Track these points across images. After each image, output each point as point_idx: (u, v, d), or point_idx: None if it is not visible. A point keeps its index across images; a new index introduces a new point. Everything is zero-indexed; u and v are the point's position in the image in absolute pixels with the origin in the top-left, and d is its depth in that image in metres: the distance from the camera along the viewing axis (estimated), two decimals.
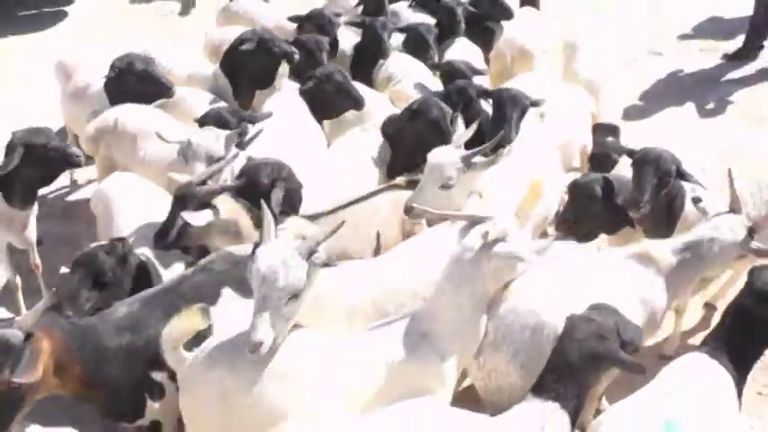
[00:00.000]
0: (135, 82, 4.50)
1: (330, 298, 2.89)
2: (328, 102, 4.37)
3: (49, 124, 6.05)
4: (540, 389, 2.43)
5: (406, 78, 4.83)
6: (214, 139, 3.72)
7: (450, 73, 4.76)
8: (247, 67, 4.67)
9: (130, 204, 3.67)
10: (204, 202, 3.25)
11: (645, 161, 3.40)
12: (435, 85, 4.80)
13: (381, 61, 5.11)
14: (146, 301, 2.89)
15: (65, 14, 8.91)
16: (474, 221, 2.71)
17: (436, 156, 3.35)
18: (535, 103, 4.12)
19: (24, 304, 4.22)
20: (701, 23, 7.79)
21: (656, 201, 3.41)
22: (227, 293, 2.88)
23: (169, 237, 3.27)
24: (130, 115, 4.29)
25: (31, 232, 4.06)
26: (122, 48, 4.90)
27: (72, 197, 5.42)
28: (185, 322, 2.54)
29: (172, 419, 2.88)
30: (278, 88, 4.74)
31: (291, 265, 2.44)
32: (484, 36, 5.72)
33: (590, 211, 3.56)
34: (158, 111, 4.42)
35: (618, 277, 2.86)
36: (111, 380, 2.75)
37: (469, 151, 3.34)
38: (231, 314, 2.79)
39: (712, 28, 7.66)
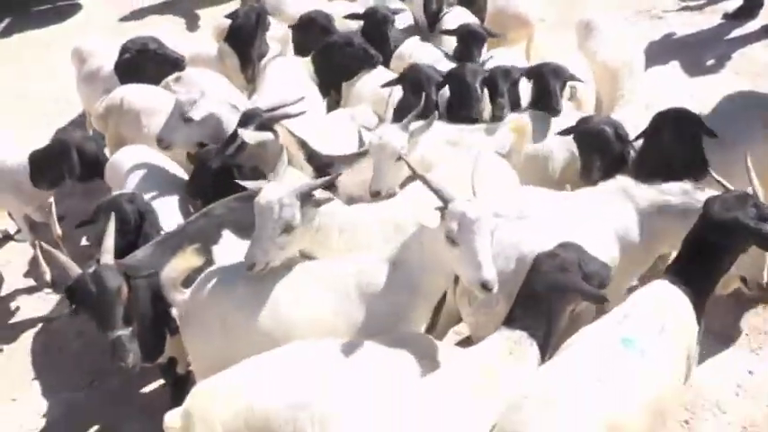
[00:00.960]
0: (149, 61, 4.81)
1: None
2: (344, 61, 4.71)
3: (69, 111, 6.56)
4: (510, 320, 2.64)
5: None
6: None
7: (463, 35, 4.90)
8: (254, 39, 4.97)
9: (140, 172, 3.95)
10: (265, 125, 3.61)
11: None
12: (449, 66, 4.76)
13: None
14: (158, 244, 3.24)
15: (80, 7, 9.19)
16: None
17: (383, 137, 3.55)
18: (572, 77, 4.22)
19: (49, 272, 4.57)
20: None
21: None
22: (227, 234, 3.25)
23: (228, 150, 3.59)
24: (136, 94, 4.60)
25: (51, 207, 4.39)
26: (131, 34, 5.23)
27: None
28: (182, 262, 2.87)
29: (185, 354, 3.18)
30: (283, 54, 5.07)
31: (286, 202, 2.82)
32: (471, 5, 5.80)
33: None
34: (161, 90, 4.65)
35: (595, 209, 3.09)
36: (141, 316, 3.07)
37: (405, 121, 3.59)
38: (231, 251, 3.14)
39: None
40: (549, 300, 2.62)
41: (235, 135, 3.58)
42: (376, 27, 5.13)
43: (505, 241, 2.96)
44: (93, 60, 5.16)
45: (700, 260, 2.76)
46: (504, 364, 2.53)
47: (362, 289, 2.87)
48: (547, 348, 2.62)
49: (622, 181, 3.28)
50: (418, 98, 3.96)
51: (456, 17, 5.37)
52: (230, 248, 3.17)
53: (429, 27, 5.44)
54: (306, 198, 2.89)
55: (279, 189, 2.90)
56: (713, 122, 3.60)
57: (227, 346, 2.80)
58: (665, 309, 2.62)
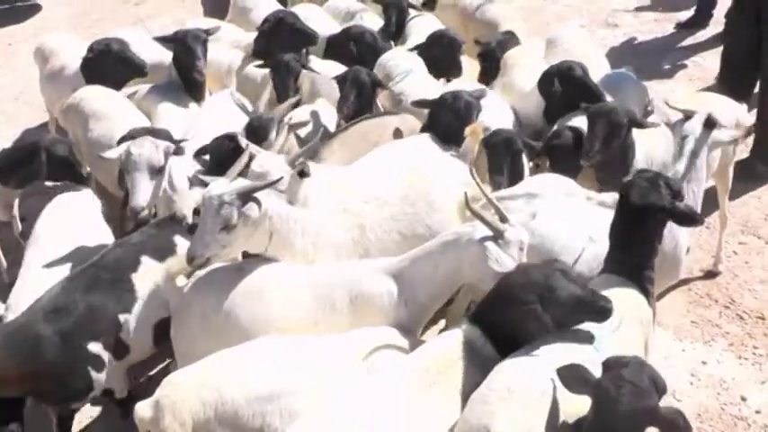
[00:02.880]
0: (111, 63, 4.71)
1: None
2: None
3: (30, 110, 6.47)
4: (473, 314, 2.68)
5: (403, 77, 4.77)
6: (153, 148, 3.50)
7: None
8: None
9: None
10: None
11: (598, 114, 3.63)
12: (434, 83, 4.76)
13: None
14: (67, 282, 3.08)
15: (39, 8, 9.07)
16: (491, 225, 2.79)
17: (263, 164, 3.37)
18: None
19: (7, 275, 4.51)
20: None
21: (608, 151, 3.61)
22: (146, 260, 3.15)
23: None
24: (92, 96, 4.52)
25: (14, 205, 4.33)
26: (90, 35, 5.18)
27: None
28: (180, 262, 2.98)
29: (120, 386, 3.16)
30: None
31: (226, 200, 2.82)
32: None
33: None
34: (121, 97, 4.62)
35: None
36: (53, 366, 2.91)
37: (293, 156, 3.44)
38: (152, 278, 3.12)
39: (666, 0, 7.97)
40: (507, 313, 2.58)
41: None
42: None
43: None
44: (56, 59, 5.09)
45: (631, 249, 2.85)
46: (458, 358, 2.55)
47: (353, 300, 2.87)
48: (507, 346, 2.58)
49: None
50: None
51: (424, 24, 5.44)
52: (151, 275, 3.11)
53: (391, 38, 5.47)
54: (247, 199, 2.86)
55: (223, 186, 2.88)
56: None
57: (208, 346, 2.79)
58: (620, 306, 2.61)
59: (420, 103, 4.04)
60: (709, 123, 3.31)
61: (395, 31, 5.51)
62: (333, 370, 2.58)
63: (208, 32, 4.73)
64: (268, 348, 2.65)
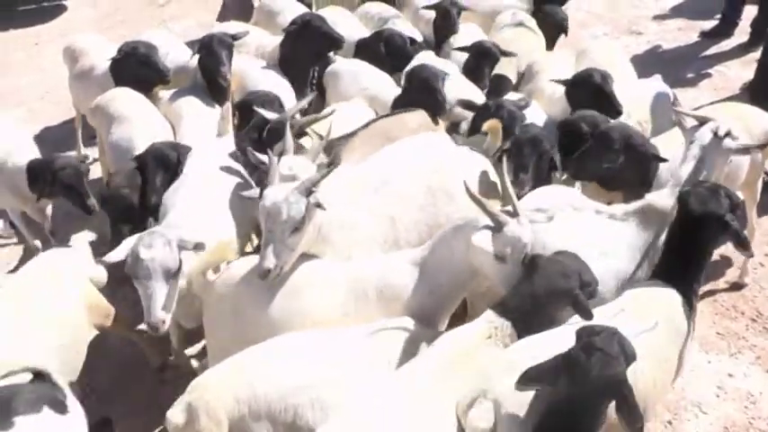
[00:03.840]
0: (135, 65, 4.76)
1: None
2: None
3: (56, 109, 6.55)
4: (500, 308, 2.69)
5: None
6: (166, 249, 2.95)
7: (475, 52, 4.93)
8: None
9: None
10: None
11: (521, 142, 3.60)
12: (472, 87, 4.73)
13: None
14: None
15: (65, 8, 9.18)
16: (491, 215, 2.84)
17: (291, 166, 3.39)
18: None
19: None
20: (679, 4, 8.05)
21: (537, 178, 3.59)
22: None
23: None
24: (118, 98, 4.57)
25: (46, 206, 4.42)
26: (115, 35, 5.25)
27: None
28: (216, 253, 3.01)
29: None
30: None
31: (292, 200, 2.85)
32: None
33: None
34: (146, 101, 4.64)
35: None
36: None
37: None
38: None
39: (691, 7, 7.91)
40: (545, 302, 2.67)
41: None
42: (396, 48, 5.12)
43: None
44: (86, 59, 5.14)
45: (684, 257, 2.85)
46: (482, 347, 2.59)
47: (382, 291, 2.91)
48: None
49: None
50: None
51: (466, 34, 5.42)
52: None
53: (436, 45, 5.47)
54: (308, 194, 2.92)
55: (282, 189, 2.90)
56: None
57: (238, 338, 2.84)
58: (659, 307, 2.69)
59: (465, 104, 4.10)
60: (719, 132, 3.30)
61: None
62: (357, 362, 2.61)
63: (234, 37, 4.77)
64: (295, 343, 2.68)
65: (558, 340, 2.47)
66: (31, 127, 6.37)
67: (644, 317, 2.59)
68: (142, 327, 3.21)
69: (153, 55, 4.80)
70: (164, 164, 3.85)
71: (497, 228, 2.79)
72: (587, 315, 2.61)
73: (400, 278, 2.93)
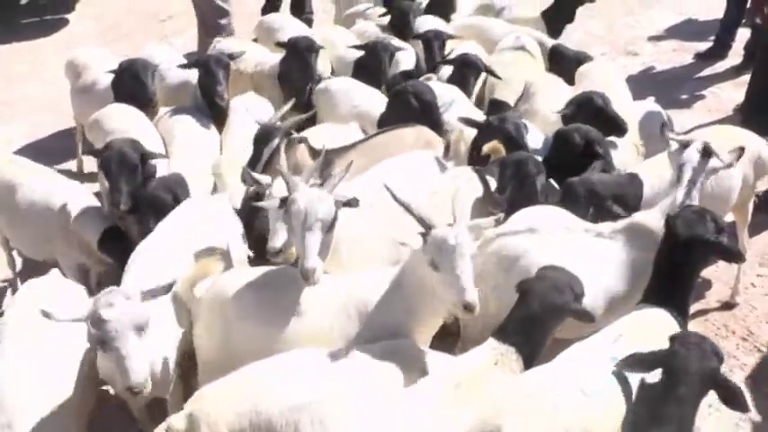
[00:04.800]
0: (129, 82, 4.84)
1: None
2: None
3: (58, 121, 6.60)
4: (501, 334, 2.74)
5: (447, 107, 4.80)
6: (128, 306, 2.68)
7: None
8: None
9: None
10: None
11: (505, 164, 3.65)
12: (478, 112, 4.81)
13: None
14: None
15: (66, 22, 9.27)
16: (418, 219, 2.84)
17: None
18: None
19: None
20: (675, 25, 8.16)
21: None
22: None
23: (257, 167, 3.65)
24: (113, 114, 4.63)
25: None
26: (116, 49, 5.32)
27: None
28: (203, 268, 3.06)
29: None
30: None
31: (324, 199, 2.91)
32: None
33: None
34: (141, 117, 4.70)
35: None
36: None
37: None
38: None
39: (686, 29, 8.02)
40: (543, 319, 2.73)
41: (259, 154, 3.69)
42: (375, 58, 5.21)
43: (507, 249, 3.12)
44: (88, 74, 5.23)
45: (672, 279, 2.92)
46: (489, 374, 2.63)
47: (358, 307, 2.93)
48: (531, 362, 2.72)
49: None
50: None
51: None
52: None
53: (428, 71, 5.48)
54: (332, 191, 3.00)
55: (309, 190, 2.95)
56: None
57: (226, 349, 2.88)
58: (655, 330, 2.72)
59: (467, 121, 4.14)
60: (706, 152, 3.39)
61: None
62: (360, 381, 2.64)
63: (231, 56, 4.85)
64: (298, 360, 2.71)
65: (568, 371, 2.56)
66: (34, 139, 6.45)
67: (642, 341, 2.65)
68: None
69: (144, 73, 4.84)
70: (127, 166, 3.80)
71: (426, 233, 2.78)
72: (589, 318, 2.72)
73: (375, 296, 2.93)
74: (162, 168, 4.16)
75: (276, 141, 3.68)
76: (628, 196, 3.65)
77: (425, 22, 5.89)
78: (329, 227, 2.91)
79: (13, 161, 4.31)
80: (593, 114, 4.14)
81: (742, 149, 3.56)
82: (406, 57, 5.47)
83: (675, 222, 2.92)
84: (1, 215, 4.15)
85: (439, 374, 2.66)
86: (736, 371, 3.89)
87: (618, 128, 4.07)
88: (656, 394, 2.43)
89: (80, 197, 4.04)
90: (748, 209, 4.20)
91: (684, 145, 3.48)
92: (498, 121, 4.01)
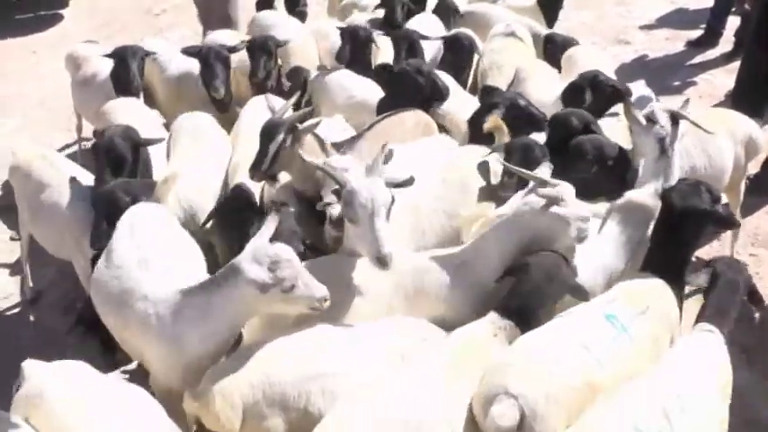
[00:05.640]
0: (117, 69, 4.86)
1: None
2: None
3: (55, 116, 6.64)
4: (503, 309, 2.79)
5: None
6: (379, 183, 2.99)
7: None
8: None
9: None
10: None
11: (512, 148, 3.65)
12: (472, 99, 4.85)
13: None
14: None
15: (60, 17, 9.30)
16: (541, 182, 3.04)
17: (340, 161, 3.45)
18: None
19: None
20: (666, 14, 8.26)
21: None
22: None
23: (264, 165, 3.53)
24: (115, 107, 4.62)
25: None
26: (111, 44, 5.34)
27: None
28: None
29: None
30: None
31: (380, 185, 2.94)
32: None
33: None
34: (144, 111, 4.72)
35: None
36: None
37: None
38: None
39: (677, 18, 8.12)
40: (546, 295, 2.79)
41: (265, 150, 3.59)
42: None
43: None
44: (88, 66, 5.25)
45: (670, 250, 3.00)
46: (488, 346, 2.68)
47: (419, 289, 3.02)
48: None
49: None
50: None
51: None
52: None
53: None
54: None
55: (364, 179, 2.94)
56: None
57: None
58: (648, 295, 2.83)
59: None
60: (675, 119, 3.51)
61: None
62: (370, 354, 2.71)
63: (231, 50, 4.86)
64: (311, 334, 2.77)
65: (567, 328, 2.64)
66: (30, 134, 6.48)
67: (635, 305, 2.73)
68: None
69: (130, 58, 4.83)
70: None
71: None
72: (585, 296, 2.78)
73: (439, 275, 3.01)
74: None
75: (281, 136, 3.61)
76: (625, 163, 3.70)
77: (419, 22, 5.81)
78: (389, 209, 2.93)
79: (46, 158, 4.18)
80: (603, 92, 4.22)
81: (687, 101, 3.70)
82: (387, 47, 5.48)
83: (671, 195, 2.99)
84: (26, 211, 4.14)
85: (444, 345, 2.72)
86: (731, 349, 3.96)
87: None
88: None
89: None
90: (740, 189, 4.29)
91: (650, 119, 3.54)
92: (497, 95, 4.13)
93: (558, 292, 2.85)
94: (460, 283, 3.02)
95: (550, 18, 6.27)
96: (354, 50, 5.17)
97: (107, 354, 3.36)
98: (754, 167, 5.11)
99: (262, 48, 4.91)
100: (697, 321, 2.87)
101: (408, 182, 3.06)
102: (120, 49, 4.92)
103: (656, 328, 2.78)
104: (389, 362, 2.69)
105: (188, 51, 4.90)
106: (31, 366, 2.55)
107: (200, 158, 4.08)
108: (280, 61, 5.15)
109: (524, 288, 2.83)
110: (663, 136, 3.48)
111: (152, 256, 3.05)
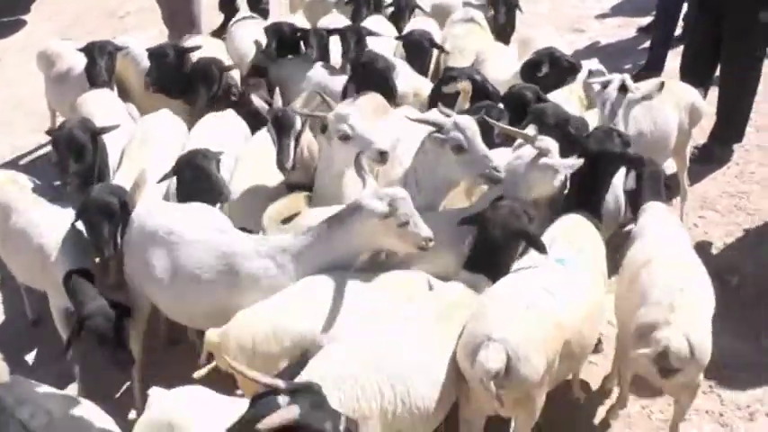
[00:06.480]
0: (88, 62, 5.01)
1: None
2: None
3: (29, 119, 6.69)
4: (469, 263, 3.06)
5: None
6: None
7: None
8: None
9: None
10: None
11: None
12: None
13: None
14: None
15: (24, 23, 9.30)
16: (530, 138, 3.37)
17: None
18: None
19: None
20: (619, 3, 8.60)
21: None
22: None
23: (288, 159, 3.76)
24: (87, 99, 4.80)
25: None
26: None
27: None
28: (288, 203, 3.44)
29: None
30: None
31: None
32: None
33: None
34: (115, 103, 4.85)
35: None
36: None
37: None
38: None
39: (628, 7, 8.45)
40: (505, 246, 3.04)
41: (285, 143, 3.79)
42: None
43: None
44: (62, 62, 5.37)
45: (587, 189, 3.37)
46: (466, 300, 2.93)
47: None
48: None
49: None
50: None
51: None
52: None
53: None
54: None
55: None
56: None
57: None
58: (578, 234, 3.20)
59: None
60: (623, 88, 3.86)
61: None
62: (362, 303, 2.97)
63: (187, 50, 4.94)
64: (311, 287, 3.01)
65: (527, 276, 2.93)
66: (6, 138, 6.54)
67: (571, 241, 3.12)
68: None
69: (98, 53, 4.97)
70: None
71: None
72: (542, 249, 2.98)
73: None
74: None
75: (299, 126, 3.82)
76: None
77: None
78: None
79: (15, 181, 3.98)
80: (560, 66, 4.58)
81: (662, 84, 4.00)
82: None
83: (588, 140, 3.36)
84: None
85: (421, 303, 2.95)
86: None
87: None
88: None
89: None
90: (686, 153, 4.61)
91: (604, 85, 3.92)
92: (457, 71, 4.45)
93: (516, 243, 3.08)
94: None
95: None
96: (281, 47, 5.31)
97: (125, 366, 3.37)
98: (702, 138, 5.46)
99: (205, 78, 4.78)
100: (636, 209, 3.46)
101: None
102: (90, 44, 5.07)
103: (593, 263, 3.11)
104: (379, 313, 2.96)
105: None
106: (155, 394, 2.66)
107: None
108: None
109: (484, 241, 3.04)
110: (604, 99, 3.83)
111: (215, 224, 3.37)
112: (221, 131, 4.39)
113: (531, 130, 3.51)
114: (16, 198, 3.84)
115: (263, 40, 5.41)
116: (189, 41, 5.49)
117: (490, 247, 3.05)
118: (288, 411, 2.00)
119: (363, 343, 2.71)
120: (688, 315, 2.81)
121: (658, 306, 2.84)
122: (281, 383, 2.12)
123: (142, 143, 4.30)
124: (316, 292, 2.98)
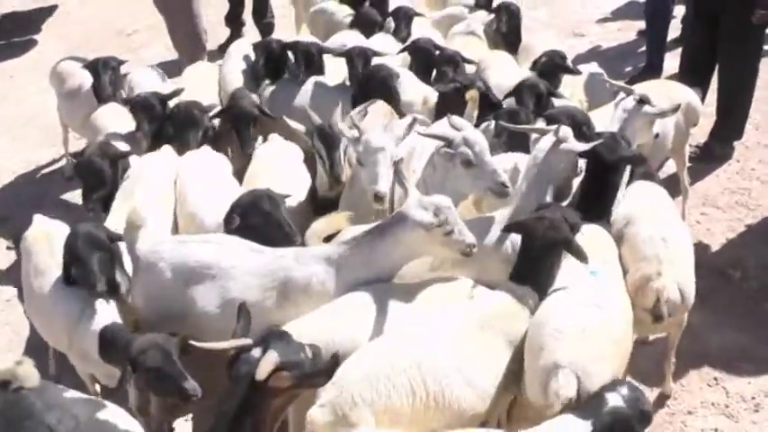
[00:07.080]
0: (93, 79, 5.21)
1: None
2: None
3: (39, 135, 6.84)
4: (516, 276, 3.05)
5: None
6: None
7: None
8: None
9: None
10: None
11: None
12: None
13: None
14: None
15: (35, 42, 9.49)
16: (542, 131, 3.53)
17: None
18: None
19: None
20: (619, 7, 8.70)
21: None
22: None
23: (342, 173, 3.87)
24: (101, 113, 5.01)
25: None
26: None
27: None
28: (330, 221, 3.42)
29: None
30: None
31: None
32: None
33: None
34: (125, 117, 4.88)
35: None
36: None
37: None
38: None
39: (629, 11, 8.54)
40: (547, 258, 3.01)
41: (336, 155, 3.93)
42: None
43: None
44: (73, 80, 5.53)
45: (598, 196, 3.46)
46: (512, 312, 2.95)
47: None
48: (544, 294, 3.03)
49: None
50: None
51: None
52: None
53: None
54: None
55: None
56: None
57: None
58: (599, 244, 3.22)
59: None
60: (642, 101, 3.93)
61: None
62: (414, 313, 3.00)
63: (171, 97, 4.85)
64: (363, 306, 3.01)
65: (576, 293, 2.93)
66: (19, 153, 6.69)
67: (597, 253, 3.13)
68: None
69: (101, 70, 5.16)
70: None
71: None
72: (584, 258, 2.94)
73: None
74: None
75: (345, 143, 3.86)
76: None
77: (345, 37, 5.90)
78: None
79: (49, 237, 3.63)
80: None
81: (679, 105, 4.04)
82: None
83: (600, 150, 3.41)
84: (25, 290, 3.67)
85: (463, 312, 2.95)
86: None
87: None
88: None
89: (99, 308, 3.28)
90: (684, 152, 4.70)
91: (627, 93, 4.00)
92: (461, 77, 4.58)
93: (559, 254, 3.04)
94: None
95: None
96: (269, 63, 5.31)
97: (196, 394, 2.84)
98: (702, 137, 5.54)
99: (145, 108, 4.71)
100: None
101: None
102: (94, 60, 5.29)
103: (616, 270, 3.19)
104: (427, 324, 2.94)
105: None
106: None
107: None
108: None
109: (527, 254, 3.05)
110: (621, 109, 3.95)
111: (242, 244, 3.32)
112: (213, 168, 4.33)
113: (540, 123, 3.66)
114: (45, 259, 3.54)
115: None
116: (185, 71, 5.76)
117: (534, 255, 3.03)
118: (270, 357, 2.39)
119: (398, 344, 2.75)
120: (675, 264, 3.16)
121: (646, 260, 3.14)
122: (248, 340, 2.52)
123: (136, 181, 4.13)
124: (363, 316, 2.96)
